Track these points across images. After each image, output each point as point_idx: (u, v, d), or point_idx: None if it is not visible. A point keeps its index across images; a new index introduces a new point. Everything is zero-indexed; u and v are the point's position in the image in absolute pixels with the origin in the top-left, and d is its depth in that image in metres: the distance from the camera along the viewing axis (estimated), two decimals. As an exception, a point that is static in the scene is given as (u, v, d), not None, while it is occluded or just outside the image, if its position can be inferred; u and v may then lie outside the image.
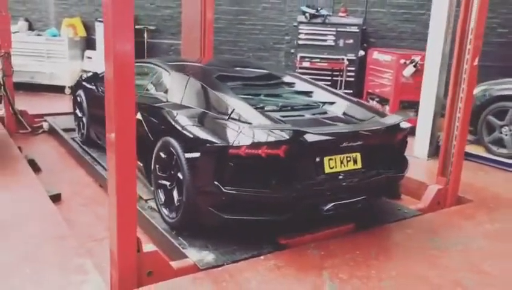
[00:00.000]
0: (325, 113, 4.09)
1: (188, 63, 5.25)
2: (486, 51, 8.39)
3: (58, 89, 9.51)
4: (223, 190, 3.29)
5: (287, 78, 4.78)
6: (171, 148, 3.66)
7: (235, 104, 3.72)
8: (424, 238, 3.82)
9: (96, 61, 9.50)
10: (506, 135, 5.94)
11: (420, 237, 3.85)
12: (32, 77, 9.35)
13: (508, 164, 5.76)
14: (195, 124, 3.69)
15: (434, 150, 6.10)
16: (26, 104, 7.25)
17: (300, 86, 4.66)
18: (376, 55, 7.90)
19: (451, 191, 4.59)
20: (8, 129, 6.50)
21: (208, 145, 3.40)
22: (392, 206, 4.52)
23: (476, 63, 4.33)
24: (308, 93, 4.52)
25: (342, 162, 3.57)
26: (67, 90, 9.52)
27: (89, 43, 9.95)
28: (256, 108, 3.83)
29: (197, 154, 3.42)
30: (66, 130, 6.66)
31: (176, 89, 4.25)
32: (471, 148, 6.18)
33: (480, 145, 6.25)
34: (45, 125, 7.06)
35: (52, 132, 6.94)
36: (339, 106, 4.23)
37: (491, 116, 6.08)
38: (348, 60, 8.24)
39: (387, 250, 3.63)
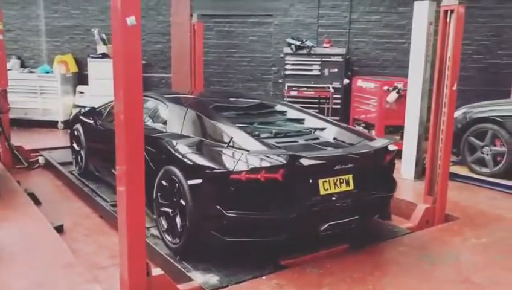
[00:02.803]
0: (317, 138, 4.33)
1: (183, 95, 5.49)
2: (465, 76, 8.85)
3: (51, 124, 9.67)
4: (225, 213, 3.47)
5: (279, 107, 5.04)
6: (173, 176, 3.84)
7: (233, 132, 3.94)
8: (416, 254, 4.02)
9: (88, 96, 9.71)
10: (487, 154, 6.25)
11: (412, 253, 4.05)
12: (26, 113, 9.51)
13: (490, 183, 6.04)
14: (196, 153, 3.90)
15: (420, 172, 6.37)
16: (20, 139, 7.38)
17: (291, 113, 4.91)
18: (360, 82, 8.24)
19: (439, 209, 4.82)
20: (4, 164, 6.61)
21: (210, 171, 3.60)
22: (383, 226, 4.73)
23: (455, 88, 4.63)
24: (299, 120, 4.77)
25: (335, 184, 3.79)
26: (60, 125, 9.68)
27: (80, 79, 10.18)
28: (252, 136, 4.06)
29: (199, 181, 3.61)
30: (62, 163, 6.80)
31: (175, 120, 4.46)
32: (456, 169, 6.46)
33: (464, 166, 6.55)
34: (41, 159, 7.18)
35: (48, 166, 7.06)
36: (329, 132, 4.48)
37: (472, 137, 6.40)
38: (333, 88, 8.56)
39: (382, 266, 3.82)
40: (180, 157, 3.88)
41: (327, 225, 3.71)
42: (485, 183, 6.10)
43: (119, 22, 2.74)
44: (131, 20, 2.76)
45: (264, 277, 3.50)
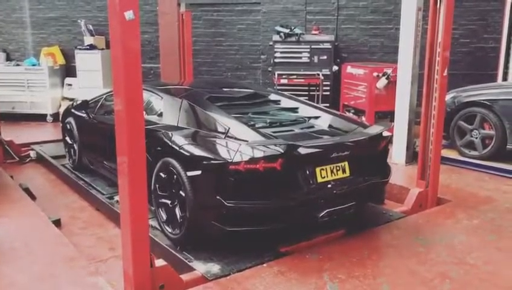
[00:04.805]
0: (312, 127, 4.38)
1: (177, 87, 5.49)
2: (452, 60, 8.90)
3: (40, 118, 9.58)
4: (225, 203, 3.51)
5: (272, 96, 5.07)
6: (172, 168, 3.87)
7: (230, 123, 3.97)
8: (411, 238, 4.12)
9: (76, 88, 9.64)
10: (476, 138, 6.37)
11: (407, 236, 4.15)
12: (13, 107, 9.41)
13: (479, 165, 6.17)
14: (194, 144, 3.92)
15: (411, 156, 6.48)
16: (9, 134, 7.31)
17: (285, 102, 4.95)
18: (350, 69, 8.29)
19: (431, 193, 4.92)
20: (-5, 159, 6.57)
21: (208, 163, 3.63)
22: (377, 211, 4.82)
23: (445, 73, 4.71)
24: (293, 109, 4.81)
25: (332, 172, 3.86)
26: (49, 118, 9.60)
27: (68, 71, 10.09)
28: (248, 126, 4.09)
29: (198, 172, 3.65)
30: (54, 157, 6.77)
31: (171, 112, 4.47)
32: (445, 152, 6.57)
33: (453, 149, 6.66)
34: (32, 153, 7.14)
35: (40, 159, 7.03)
36: (324, 120, 4.53)
37: (462, 121, 6.51)
38: (323, 75, 8.60)
39: (378, 250, 3.92)
40: (178, 149, 3.90)
41: (325, 211, 3.78)
42: (474, 166, 6.22)
43: (117, 17, 2.73)
44: (129, 14, 2.76)
45: (265, 265, 3.56)
